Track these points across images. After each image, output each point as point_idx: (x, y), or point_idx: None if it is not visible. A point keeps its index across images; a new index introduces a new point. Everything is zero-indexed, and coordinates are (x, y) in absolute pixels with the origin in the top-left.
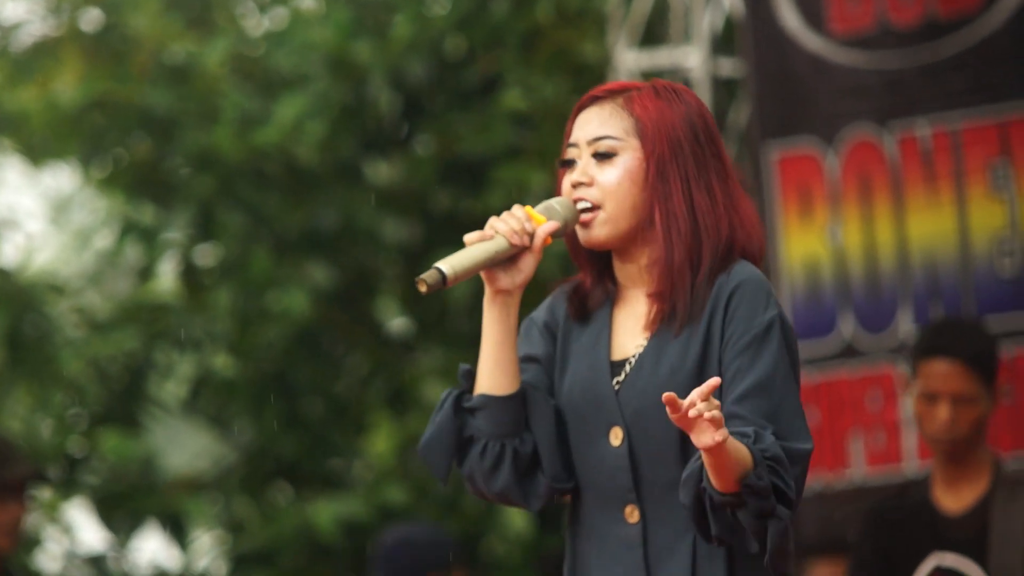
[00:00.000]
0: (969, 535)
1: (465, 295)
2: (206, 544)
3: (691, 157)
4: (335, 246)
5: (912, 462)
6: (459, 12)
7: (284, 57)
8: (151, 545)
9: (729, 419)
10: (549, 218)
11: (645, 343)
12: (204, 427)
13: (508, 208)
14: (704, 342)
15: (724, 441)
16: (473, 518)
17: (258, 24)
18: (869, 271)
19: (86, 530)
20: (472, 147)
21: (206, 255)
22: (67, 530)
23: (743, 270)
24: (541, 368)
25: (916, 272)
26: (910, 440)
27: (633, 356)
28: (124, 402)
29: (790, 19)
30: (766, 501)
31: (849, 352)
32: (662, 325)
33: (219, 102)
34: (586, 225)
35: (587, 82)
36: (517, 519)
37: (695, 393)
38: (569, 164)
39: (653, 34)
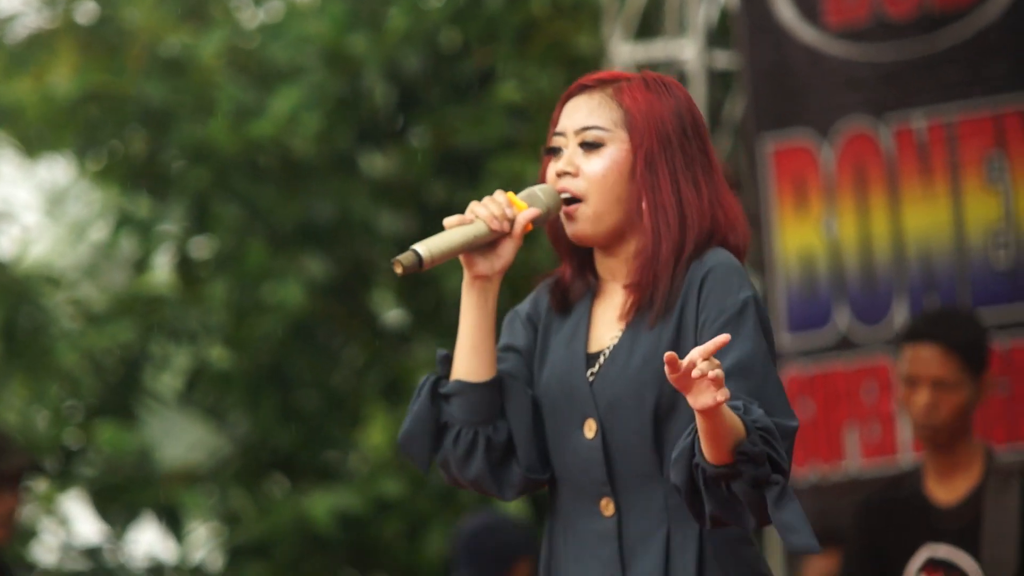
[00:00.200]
0: (962, 526)
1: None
2: (202, 536)
3: (679, 150)
4: (330, 238)
5: (907, 454)
6: (454, 5)
7: (279, 49)
8: (147, 537)
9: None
10: (531, 205)
11: (620, 334)
12: (200, 419)
13: None
14: (677, 328)
15: (724, 401)
16: (469, 509)
17: (253, 16)
18: (864, 263)
19: (82, 522)
20: (467, 139)
21: (201, 247)
22: (63, 522)
23: (715, 255)
24: (521, 359)
25: (911, 264)
26: (905, 432)
27: (608, 348)
28: (120, 394)
29: (785, 11)
30: (761, 468)
31: (844, 344)
32: (637, 316)
33: (214, 94)
34: (571, 218)
35: (582, 74)
36: (512, 510)
37: (696, 352)
38: (555, 152)
39: (648, 26)
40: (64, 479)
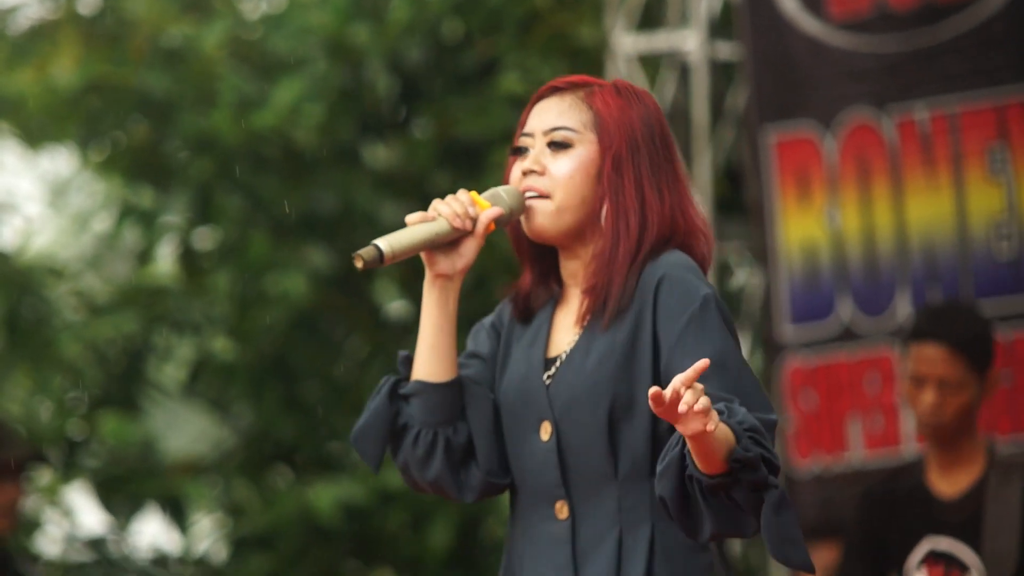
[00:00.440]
0: (963, 519)
1: (464, 279)
2: (206, 527)
3: (646, 156)
4: (333, 229)
5: (910, 445)
6: None
7: (282, 40)
8: (151, 528)
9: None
10: (494, 204)
11: (576, 337)
12: (203, 410)
13: None
14: (633, 329)
15: (715, 429)
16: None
17: (255, 7)
18: (867, 254)
19: (86, 513)
20: (470, 130)
21: (204, 238)
22: (67, 513)
23: (669, 257)
24: (485, 365)
25: (914, 255)
26: (908, 423)
27: (565, 352)
28: (123, 385)
29: (788, 2)
30: (758, 472)
31: (847, 335)
32: (592, 319)
33: (217, 85)
34: (532, 213)
35: (584, 65)
36: None
37: (678, 381)
38: (521, 152)
39: (651, 17)
40: (68, 470)
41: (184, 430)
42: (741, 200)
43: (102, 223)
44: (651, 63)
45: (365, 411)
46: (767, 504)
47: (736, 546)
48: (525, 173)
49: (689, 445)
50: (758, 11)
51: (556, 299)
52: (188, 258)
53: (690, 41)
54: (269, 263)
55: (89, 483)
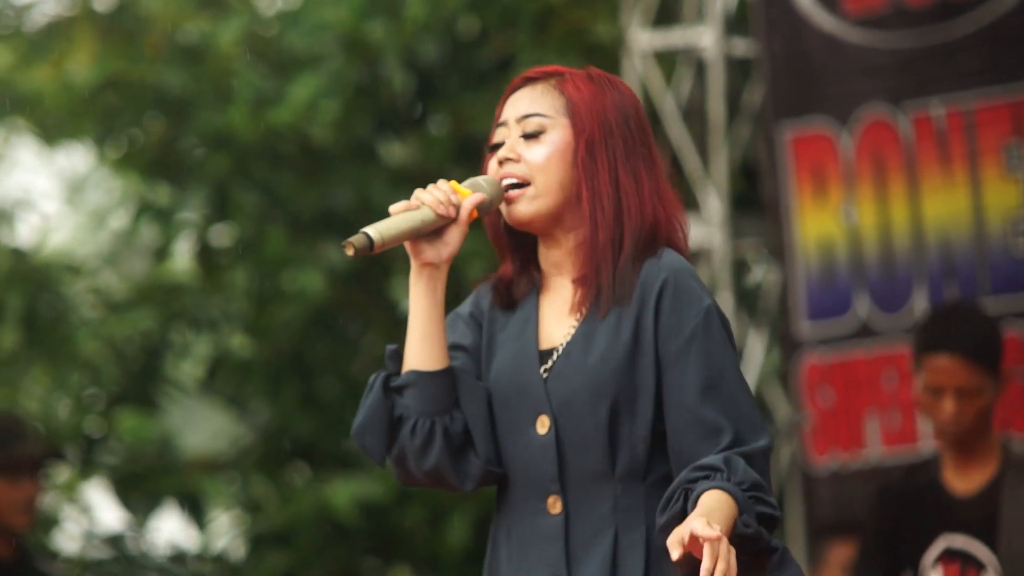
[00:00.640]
0: (978, 517)
1: (480, 274)
2: (224, 524)
3: (620, 141)
4: (350, 226)
5: (928, 442)
6: None
7: (298, 37)
8: (169, 525)
9: (691, 425)
10: (475, 192)
11: (573, 331)
12: (221, 407)
13: None
14: (635, 330)
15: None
16: (489, 498)
17: (271, 4)
18: (884, 251)
19: (104, 510)
20: (485, 127)
21: (221, 235)
22: (85, 510)
23: (671, 259)
24: (469, 357)
25: (931, 252)
26: (926, 420)
27: (561, 344)
28: (141, 382)
29: None
30: (759, 542)
31: (864, 332)
32: (590, 311)
33: (233, 82)
34: (511, 201)
35: (600, 62)
36: None
37: (697, 530)
38: (498, 148)
39: (666, 14)
40: (86, 467)
41: (201, 427)
42: (758, 197)
43: (119, 220)
44: (667, 59)
45: (361, 408)
46: (772, 565)
47: None
48: (501, 162)
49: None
50: (774, 7)
51: (538, 287)
52: (205, 255)
53: (706, 37)
54: (286, 260)
55: (107, 480)
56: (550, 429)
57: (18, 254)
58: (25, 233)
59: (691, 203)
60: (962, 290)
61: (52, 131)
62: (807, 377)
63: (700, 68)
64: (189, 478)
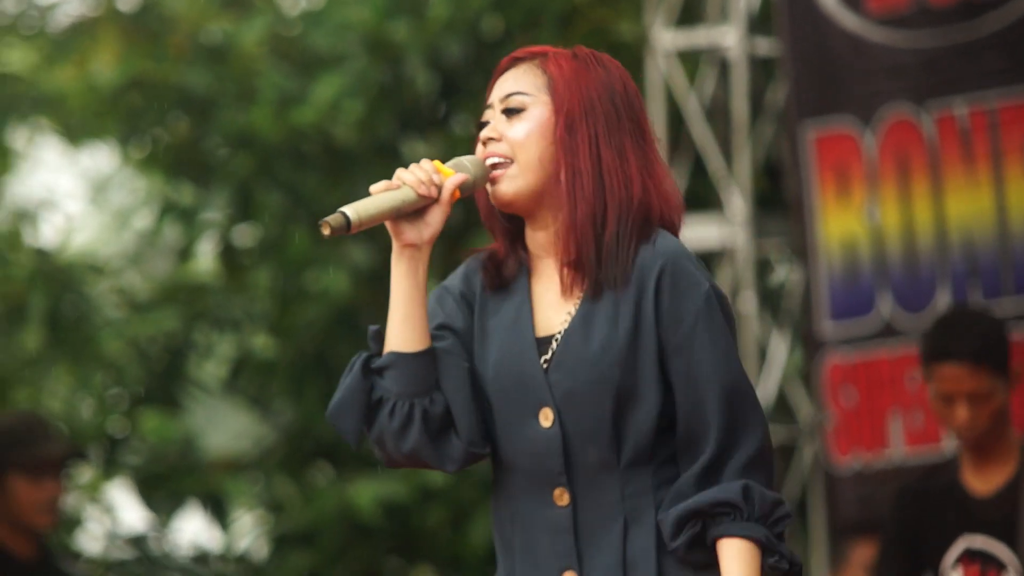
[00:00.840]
0: (998, 517)
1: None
2: (247, 524)
3: (603, 117)
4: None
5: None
6: None
7: (321, 37)
8: (192, 525)
9: (691, 418)
10: (458, 172)
11: (569, 317)
12: (244, 407)
13: None
14: (635, 316)
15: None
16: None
17: (295, 3)
18: (907, 251)
19: (127, 510)
20: None
21: (245, 235)
22: (108, 510)
23: (667, 242)
24: (458, 340)
25: (954, 251)
26: None
27: (559, 332)
28: (164, 382)
29: None
30: (789, 569)
31: (888, 331)
32: (585, 295)
33: (257, 82)
34: (495, 181)
35: (624, 61)
36: None
37: None
38: (485, 126)
39: (690, 13)
40: (109, 467)
41: (225, 427)
42: (781, 196)
43: (143, 220)
44: (691, 59)
45: (339, 388)
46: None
47: None
48: (484, 142)
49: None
50: (797, 7)
51: (527, 268)
52: (228, 255)
53: (729, 37)
54: (309, 260)
55: (130, 480)
56: (554, 422)
57: (42, 254)
58: (49, 233)
59: (714, 202)
60: (985, 289)
61: (76, 131)
62: (830, 377)
63: (724, 67)
64: (212, 478)
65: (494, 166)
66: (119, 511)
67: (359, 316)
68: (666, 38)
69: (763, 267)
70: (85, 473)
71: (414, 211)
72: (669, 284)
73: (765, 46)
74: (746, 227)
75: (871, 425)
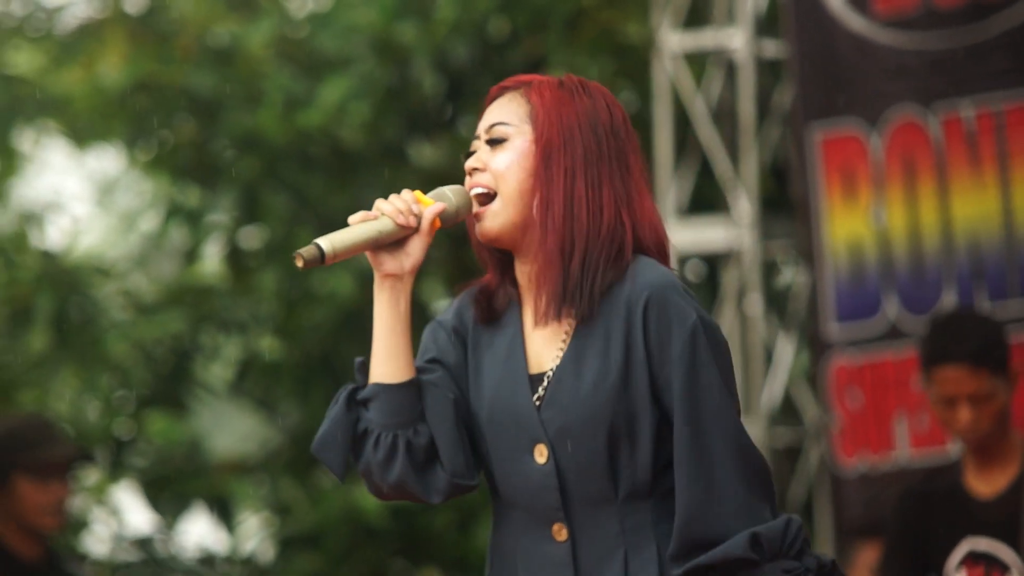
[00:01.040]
0: (1001, 519)
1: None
2: (253, 527)
3: (581, 147)
4: None
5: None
6: None
7: (328, 39)
8: (198, 528)
9: (680, 463)
10: (438, 202)
11: (560, 353)
12: (250, 410)
13: None
14: (625, 351)
15: None
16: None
17: (302, 5)
18: (913, 252)
19: (133, 512)
20: None
21: (251, 237)
22: (114, 512)
23: (651, 273)
24: (449, 374)
25: (960, 253)
26: None
27: (551, 369)
28: (170, 385)
29: (834, 0)
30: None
31: (894, 333)
32: (576, 332)
33: (263, 84)
34: (479, 217)
35: (631, 63)
36: None
37: None
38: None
39: (697, 15)
40: (115, 470)
41: (231, 429)
42: (787, 198)
43: (149, 222)
44: (697, 61)
45: (325, 420)
46: None
47: None
48: (469, 173)
49: None
50: (804, 9)
51: (517, 303)
52: (235, 257)
53: (736, 39)
54: None
55: (136, 482)
56: (548, 458)
57: (48, 256)
58: (55, 235)
59: (721, 204)
60: (991, 291)
61: (83, 133)
62: (836, 379)
63: (730, 69)
64: (218, 480)
65: (478, 197)
66: (125, 513)
67: (365, 318)
68: (673, 40)
69: (769, 269)
70: (91, 475)
71: (394, 241)
72: (655, 317)
73: (772, 48)
74: (752, 229)
75: (877, 427)
